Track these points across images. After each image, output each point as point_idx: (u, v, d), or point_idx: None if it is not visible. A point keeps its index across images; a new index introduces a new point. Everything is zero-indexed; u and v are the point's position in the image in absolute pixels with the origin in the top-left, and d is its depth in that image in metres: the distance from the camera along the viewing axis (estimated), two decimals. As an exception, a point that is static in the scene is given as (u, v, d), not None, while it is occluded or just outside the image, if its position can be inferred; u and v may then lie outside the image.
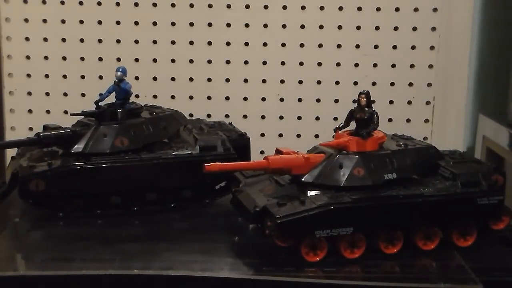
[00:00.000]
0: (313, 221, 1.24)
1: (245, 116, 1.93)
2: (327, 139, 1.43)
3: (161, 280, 1.22)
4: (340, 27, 1.88)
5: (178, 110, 1.73)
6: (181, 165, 1.53)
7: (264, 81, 1.92)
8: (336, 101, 1.91)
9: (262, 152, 1.79)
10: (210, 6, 1.88)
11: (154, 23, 1.90)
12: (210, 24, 1.89)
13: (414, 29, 1.87)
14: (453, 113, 1.92)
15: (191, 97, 1.93)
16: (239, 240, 1.40)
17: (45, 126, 1.59)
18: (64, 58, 1.92)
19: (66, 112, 1.89)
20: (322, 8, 1.87)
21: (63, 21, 1.90)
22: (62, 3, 1.89)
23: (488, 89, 1.95)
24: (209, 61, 1.91)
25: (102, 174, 1.48)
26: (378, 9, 1.87)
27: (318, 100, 1.92)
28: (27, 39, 1.91)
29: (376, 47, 1.89)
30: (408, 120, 1.92)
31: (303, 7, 1.87)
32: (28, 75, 1.93)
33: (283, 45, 1.90)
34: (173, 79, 1.93)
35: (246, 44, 1.90)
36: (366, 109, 1.37)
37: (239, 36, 1.89)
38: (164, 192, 1.55)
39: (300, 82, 1.92)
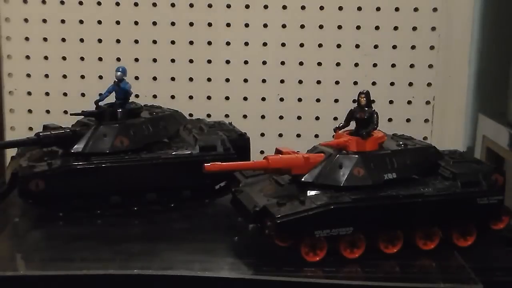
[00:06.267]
0: (313, 221, 1.24)
1: (245, 116, 1.93)
2: (327, 139, 1.43)
3: (161, 280, 1.22)
4: (340, 27, 1.88)
5: (178, 110, 1.74)
6: (181, 165, 1.53)
7: (264, 81, 1.92)
8: (336, 101, 1.91)
9: (262, 152, 1.78)
10: (210, 6, 1.88)
11: (154, 23, 1.89)
12: (210, 24, 1.89)
13: (414, 29, 1.87)
14: (453, 113, 1.92)
15: (191, 97, 1.93)
16: (239, 240, 1.40)
17: (45, 126, 1.60)
18: (64, 58, 1.92)
19: (66, 112, 1.89)
20: (322, 8, 1.87)
21: (63, 21, 1.90)
22: (62, 3, 1.89)
23: (488, 89, 1.95)
24: (209, 61, 1.91)
25: (102, 174, 1.48)
26: (378, 9, 1.86)
27: (318, 100, 1.92)
28: (27, 39, 1.91)
29: (376, 47, 1.88)
30: (408, 120, 1.92)
31: (303, 7, 1.87)
32: (28, 75, 1.93)
33: (283, 45, 1.90)
34: (173, 79, 1.93)
35: (246, 44, 1.90)
36: (366, 109, 1.37)
37: (239, 36, 1.89)
38: (164, 192, 1.55)
39: (300, 82, 1.91)
